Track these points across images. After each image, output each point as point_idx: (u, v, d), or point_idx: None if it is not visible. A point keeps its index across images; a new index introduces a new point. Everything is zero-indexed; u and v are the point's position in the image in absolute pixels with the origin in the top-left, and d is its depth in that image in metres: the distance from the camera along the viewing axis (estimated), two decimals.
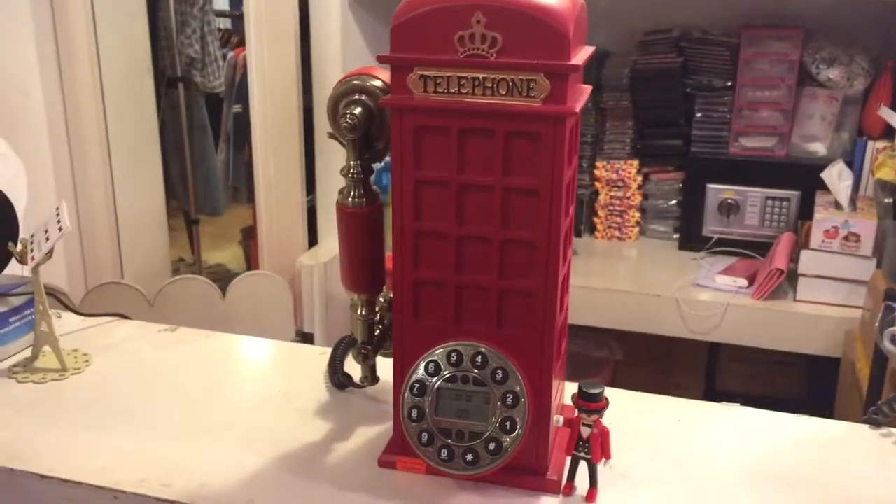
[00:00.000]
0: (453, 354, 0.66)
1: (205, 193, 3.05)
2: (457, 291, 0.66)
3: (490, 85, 0.60)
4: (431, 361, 0.67)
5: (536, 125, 0.60)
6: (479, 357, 0.66)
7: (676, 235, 2.20)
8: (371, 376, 0.79)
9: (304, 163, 2.18)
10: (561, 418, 0.66)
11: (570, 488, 0.68)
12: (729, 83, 2.09)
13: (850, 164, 1.94)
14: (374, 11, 2.10)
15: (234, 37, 3.25)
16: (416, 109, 0.63)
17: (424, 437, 0.67)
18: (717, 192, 2.11)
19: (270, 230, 2.18)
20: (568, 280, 0.69)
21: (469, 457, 0.66)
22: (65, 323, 1.01)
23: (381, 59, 0.64)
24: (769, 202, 2.10)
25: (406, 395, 0.67)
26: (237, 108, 3.04)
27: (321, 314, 2.09)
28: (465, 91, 0.61)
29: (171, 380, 0.89)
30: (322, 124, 2.09)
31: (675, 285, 1.92)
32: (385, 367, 0.76)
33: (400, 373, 0.69)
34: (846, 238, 1.83)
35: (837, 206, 1.89)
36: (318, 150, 2.15)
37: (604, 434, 0.65)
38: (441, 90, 0.62)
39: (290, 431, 0.78)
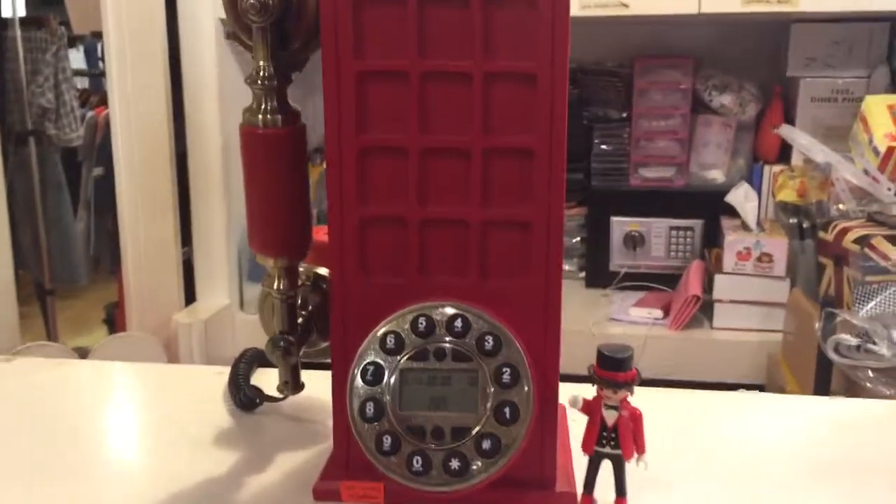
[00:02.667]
0: (420, 321, 0.47)
1: (61, 260, 2.70)
2: (421, 231, 0.47)
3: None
4: (389, 334, 0.47)
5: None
6: (459, 321, 0.47)
7: (583, 273, 2.10)
8: (293, 381, 0.58)
9: (179, 212, 1.94)
10: (580, 397, 0.48)
11: (589, 502, 0.49)
12: (625, 114, 2.05)
13: None
14: None
15: (94, 96, 3.03)
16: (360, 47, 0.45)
17: (386, 442, 0.46)
18: (622, 224, 2.04)
19: (141, 288, 1.90)
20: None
21: (454, 464, 0.45)
22: None
23: None
24: (673, 232, 2.05)
25: (355, 385, 0.47)
26: (98, 171, 2.77)
27: None
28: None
29: (11, 418, 0.64)
30: (198, 168, 1.89)
31: (590, 321, 1.80)
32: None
33: (342, 356, 0.49)
34: (759, 259, 1.78)
35: (745, 227, 1.85)
36: (194, 197, 1.92)
37: (636, 418, 0.47)
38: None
39: (184, 466, 0.55)
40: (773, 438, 0.60)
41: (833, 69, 1.88)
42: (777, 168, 1.93)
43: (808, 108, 1.91)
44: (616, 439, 0.47)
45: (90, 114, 2.78)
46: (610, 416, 0.47)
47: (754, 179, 1.98)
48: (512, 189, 0.46)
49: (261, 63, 0.50)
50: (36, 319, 2.80)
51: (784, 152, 1.92)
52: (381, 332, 0.47)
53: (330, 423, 0.56)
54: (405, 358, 0.47)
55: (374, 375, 0.47)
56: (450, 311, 0.47)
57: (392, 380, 0.47)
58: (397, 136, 0.46)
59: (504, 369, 0.46)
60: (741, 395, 0.67)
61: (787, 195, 1.89)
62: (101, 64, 3.21)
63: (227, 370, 0.65)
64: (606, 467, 0.48)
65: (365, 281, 0.48)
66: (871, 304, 1.46)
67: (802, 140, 1.75)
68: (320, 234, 0.57)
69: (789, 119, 1.93)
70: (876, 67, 1.86)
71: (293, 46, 0.52)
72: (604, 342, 0.47)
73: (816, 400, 0.67)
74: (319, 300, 0.58)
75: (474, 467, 0.45)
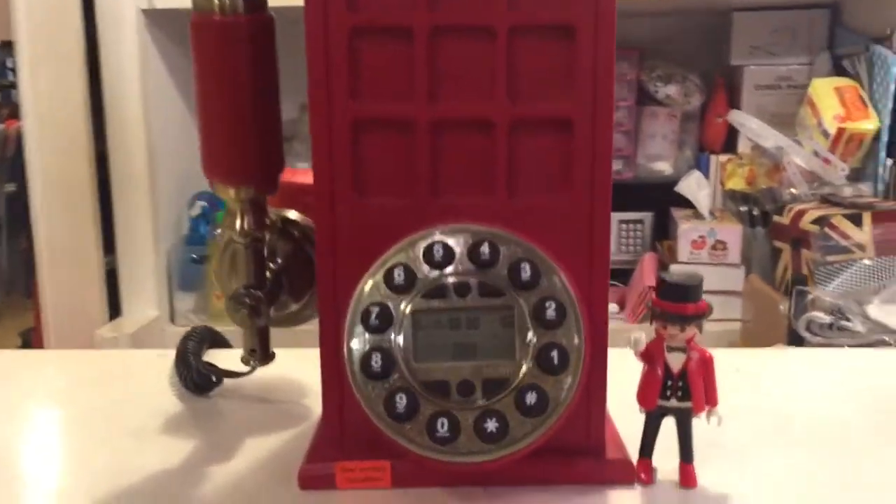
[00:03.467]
0: (436, 249, 0.37)
1: None
2: (432, 137, 0.37)
3: None
4: (396, 267, 0.37)
5: (568, 11, 0.35)
6: (485, 247, 0.37)
7: None
8: (262, 349, 0.46)
9: (100, 219, 1.78)
10: (643, 337, 0.38)
11: (647, 469, 0.39)
12: None
13: None
14: (172, 33, 1.78)
15: (3, 109, 2.84)
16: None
17: (399, 403, 0.35)
18: None
19: (59, 305, 1.73)
20: None
21: (490, 425, 0.35)
22: None
23: None
24: (623, 226, 2.00)
25: (354, 333, 0.36)
26: (10, 187, 2.58)
27: None
28: None
29: None
30: (121, 170, 1.74)
31: None
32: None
33: (332, 300, 0.38)
34: (714, 247, 1.75)
35: (697, 216, 1.82)
36: (116, 201, 1.77)
37: (706, 362, 0.38)
38: None
39: (127, 461, 0.43)
40: (838, 395, 0.52)
41: (776, 56, 1.87)
42: (724, 157, 1.90)
43: (752, 95, 1.90)
44: (683, 389, 0.38)
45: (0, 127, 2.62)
46: (675, 361, 0.38)
47: (701, 169, 1.96)
48: (547, 80, 0.36)
49: None
50: None
51: (730, 141, 1.90)
52: (385, 266, 0.37)
53: (307, 402, 0.45)
54: (418, 296, 0.37)
55: (380, 319, 0.36)
56: (472, 234, 0.37)
57: (403, 324, 0.36)
58: (402, 11, 0.36)
59: (547, 304, 0.36)
60: (784, 351, 0.59)
61: (737, 183, 1.87)
62: (9, 75, 3.02)
63: (170, 353, 0.53)
64: (666, 426, 0.39)
65: (360, 205, 0.38)
66: (834, 283, 1.43)
67: (752, 125, 1.73)
68: (289, 175, 0.46)
69: (734, 107, 1.92)
70: (818, 54, 1.86)
71: None
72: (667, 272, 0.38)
73: (858, 353, 0.60)
74: (290, 249, 0.47)
75: (516, 429, 0.35)
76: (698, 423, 0.39)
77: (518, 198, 0.38)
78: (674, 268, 1.72)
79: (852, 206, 1.46)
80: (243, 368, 0.47)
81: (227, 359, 0.49)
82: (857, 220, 1.45)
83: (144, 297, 1.83)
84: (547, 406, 0.35)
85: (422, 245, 0.37)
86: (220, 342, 0.57)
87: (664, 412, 0.38)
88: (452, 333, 0.36)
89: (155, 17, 1.70)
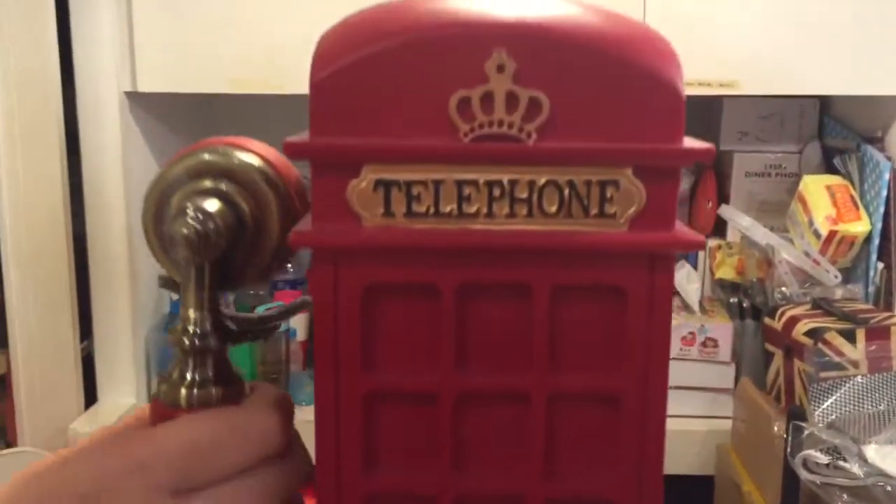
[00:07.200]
0: None
1: None
2: None
3: (524, 195, 0.31)
4: None
5: (619, 272, 0.31)
6: None
7: None
8: None
9: (77, 302, 1.73)
10: None
11: None
12: None
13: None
14: (156, 114, 1.74)
15: None
16: (369, 253, 0.32)
17: None
18: None
19: (32, 392, 1.68)
20: None
21: None
22: None
23: (292, 151, 0.32)
24: None
25: None
26: None
27: None
28: (471, 210, 0.31)
29: None
30: (99, 251, 1.69)
31: None
32: None
33: None
34: (704, 344, 1.74)
35: (687, 309, 1.80)
36: (94, 284, 1.72)
37: None
38: (421, 210, 0.31)
39: None
40: None
41: (765, 143, 1.87)
42: (713, 242, 1.90)
43: (742, 182, 1.90)
44: None
45: None
46: None
47: (690, 254, 1.95)
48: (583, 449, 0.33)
49: (191, 313, 0.36)
50: None
51: (719, 226, 1.90)
52: None
53: None
54: None
55: None
56: None
57: None
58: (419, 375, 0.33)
59: None
60: None
61: (726, 272, 1.87)
62: None
63: None
64: None
65: None
66: (829, 402, 1.42)
67: (743, 222, 1.72)
68: None
69: (723, 192, 1.91)
70: (808, 143, 1.86)
71: (236, 280, 0.37)
72: None
73: None
74: None
75: None
76: None
77: None
78: None
79: (845, 317, 1.46)
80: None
81: None
82: (850, 337, 1.45)
83: (121, 383, 1.78)
84: None
85: None
86: None
87: None
88: None
89: (138, 99, 1.66)
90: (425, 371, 0.31)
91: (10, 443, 1.75)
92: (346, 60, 0.29)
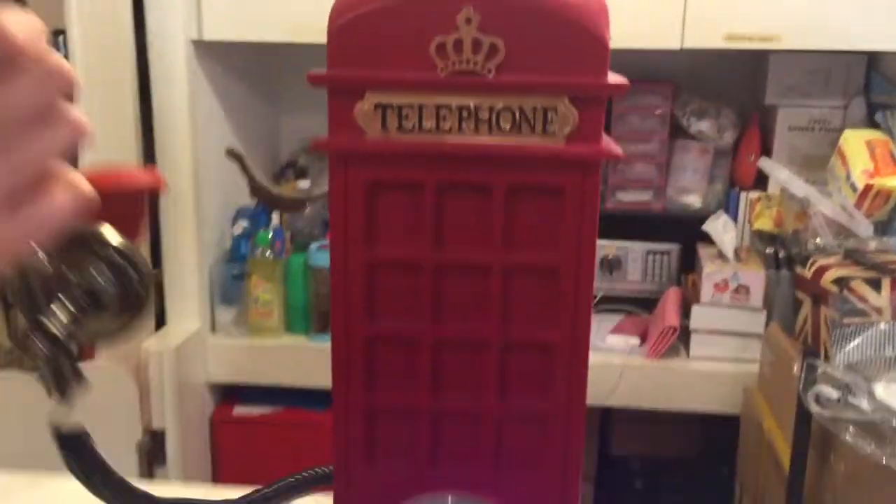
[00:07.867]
0: None
1: None
2: (433, 424, 0.46)
3: (486, 117, 0.41)
4: None
5: (557, 175, 0.42)
6: None
7: None
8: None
9: (150, 234, 1.89)
10: None
11: None
12: None
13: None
14: (220, 60, 1.87)
15: None
16: (370, 157, 0.43)
17: None
18: (598, 247, 2.03)
19: None
20: None
21: None
22: None
23: (314, 80, 0.43)
24: (650, 256, 2.06)
25: None
26: None
27: (174, 407, 1.77)
28: (446, 127, 0.42)
29: None
30: (174, 191, 1.84)
31: None
32: None
33: None
34: (736, 291, 1.80)
35: (722, 257, 1.85)
36: (164, 218, 1.87)
37: None
38: (409, 126, 0.42)
39: None
40: None
41: (810, 98, 1.89)
42: (754, 195, 1.93)
43: (785, 136, 1.92)
44: None
45: None
46: None
47: (731, 205, 1.99)
48: (532, 385, 0.45)
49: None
50: None
51: (761, 179, 1.93)
52: None
53: None
54: None
55: None
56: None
57: None
58: (412, 324, 0.45)
59: None
60: None
61: (764, 223, 1.90)
62: None
63: None
64: None
65: (369, 475, 0.47)
66: (850, 345, 1.47)
67: (781, 175, 1.76)
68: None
69: (767, 146, 1.94)
70: (853, 98, 1.87)
71: None
72: None
73: None
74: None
75: None
76: None
77: (502, 472, 0.46)
78: (695, 309, 1.78)
79: (874, 267, 1.50)
80: None
81: None
82: (875, 285, 1.49)
83: (188, 309, 1.94)
84: None
85: None
86: None
87: None
88: None
89: (204, 48, 1.79)
90: (412, 248, 0.42)
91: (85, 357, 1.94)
92: (354, 13, 0.40)
